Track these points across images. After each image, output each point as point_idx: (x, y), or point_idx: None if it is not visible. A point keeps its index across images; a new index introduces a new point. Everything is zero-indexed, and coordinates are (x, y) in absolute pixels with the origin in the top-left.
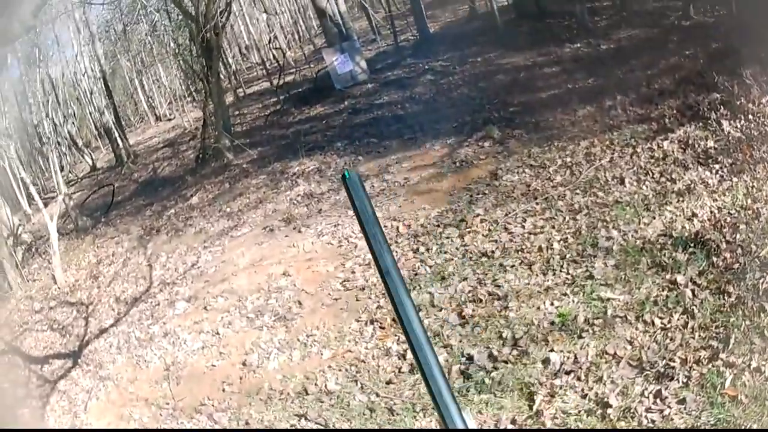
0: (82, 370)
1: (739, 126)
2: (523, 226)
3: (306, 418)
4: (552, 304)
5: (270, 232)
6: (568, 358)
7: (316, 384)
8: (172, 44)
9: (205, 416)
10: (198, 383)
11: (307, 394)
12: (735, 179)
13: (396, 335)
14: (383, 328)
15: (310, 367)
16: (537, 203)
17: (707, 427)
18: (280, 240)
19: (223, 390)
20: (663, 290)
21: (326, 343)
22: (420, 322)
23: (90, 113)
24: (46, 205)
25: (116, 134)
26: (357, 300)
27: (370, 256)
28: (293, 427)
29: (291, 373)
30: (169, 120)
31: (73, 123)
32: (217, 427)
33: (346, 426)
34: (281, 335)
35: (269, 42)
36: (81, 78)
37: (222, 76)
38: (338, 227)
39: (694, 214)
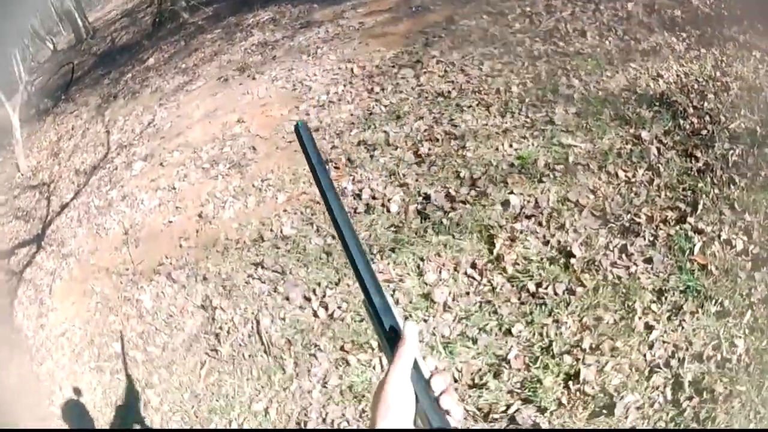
0: (46, 253)
1: (708, 3)
2: (481, 69)
3: (263, 267)
4: (511, 146)
5: (224, 82)
6: (528, 201)
7: (271, 230)
8: None
9: (164, 276)
10: (155, 242)
11: (263, 240)
12: (703, 50)
13: (351, 175)
14: (338, 168)
15: (265, 212)
16: (495, 47)
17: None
18: (235, 89)
19: (180, 246)
20: (627, 143)
21: (281, 187)
22: (357, 242)
23: (52, 3)
24: (9, 99)
25: (76, 15)
26: None
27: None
28: (249, 277)
29: (247, 220)
30: None
31: (35, 16)
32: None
33: (302, 272)
34: (236, 182)
35: None
36: None
37: None
38: (292, 71)
39: (659, 75)
